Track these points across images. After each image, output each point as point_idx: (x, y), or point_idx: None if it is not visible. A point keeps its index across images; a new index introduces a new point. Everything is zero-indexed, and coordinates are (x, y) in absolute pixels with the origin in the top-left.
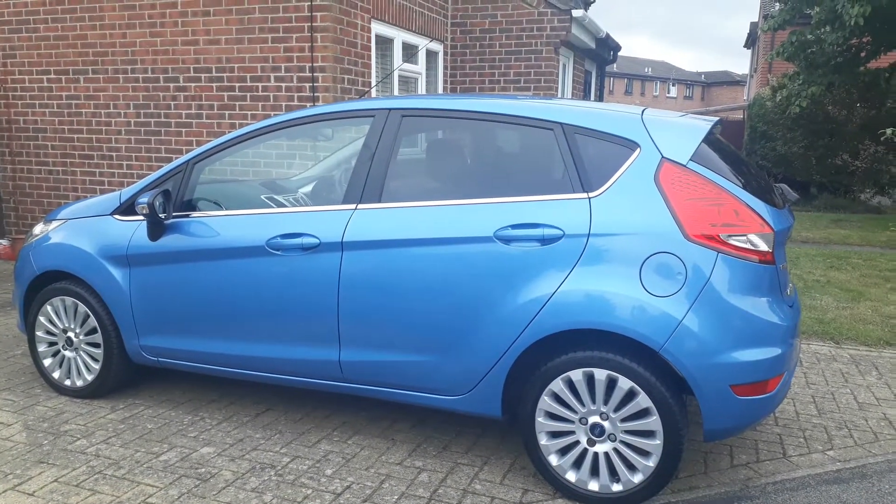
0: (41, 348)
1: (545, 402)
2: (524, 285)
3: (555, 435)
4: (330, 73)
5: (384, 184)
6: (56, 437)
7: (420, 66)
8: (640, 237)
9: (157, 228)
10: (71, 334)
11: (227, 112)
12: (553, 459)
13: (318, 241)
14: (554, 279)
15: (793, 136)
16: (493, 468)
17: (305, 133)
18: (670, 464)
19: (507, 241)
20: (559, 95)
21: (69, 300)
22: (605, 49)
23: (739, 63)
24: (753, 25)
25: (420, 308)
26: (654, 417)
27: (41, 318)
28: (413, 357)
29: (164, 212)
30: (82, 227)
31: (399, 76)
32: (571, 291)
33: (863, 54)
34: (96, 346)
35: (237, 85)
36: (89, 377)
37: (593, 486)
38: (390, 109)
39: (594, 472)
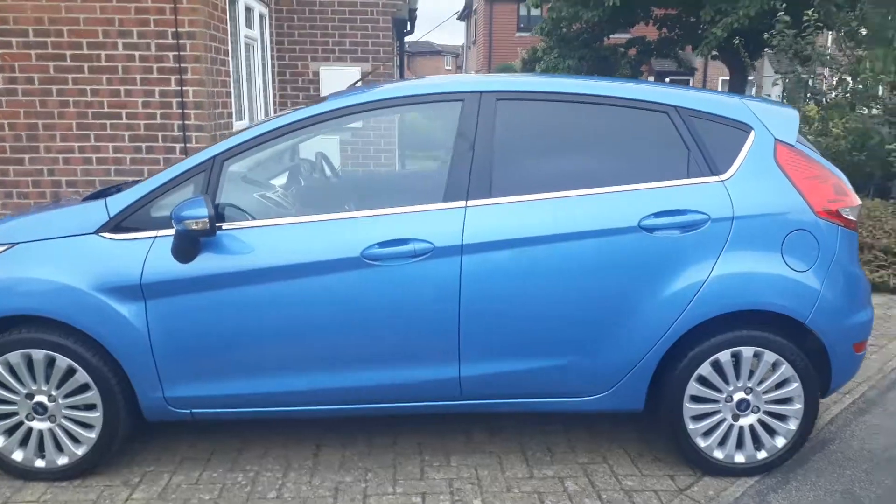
0: None
1: (693, 386)
2: (674, 274)
3: (700, 418)
4: (200, 41)
5: (491, 176)
6: None
7: (255, 31)
8: (777, 217)
9: (192, 246)
10: (42, 398)
11: (54, 87)
12: (700, 442)
13: (431, 246)
14: (705, 265)
15: None
16: (617, 462)
17: (374, 119)
18: (810, 424)
19: (651, 230)
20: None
21: (39, 353)
22: (410, 19)
23: (440, 35)
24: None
25: (557, 310)
26: (796, 384)
27: None
28: (547, 362)
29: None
30: (52, 253)
31: (243, 41)
32: (724, 276)
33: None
34: (87, 408)
35: (68, 53)
36: (79, 451)
37: (739, 458)
38: (482, 92)
39: (739, 445)
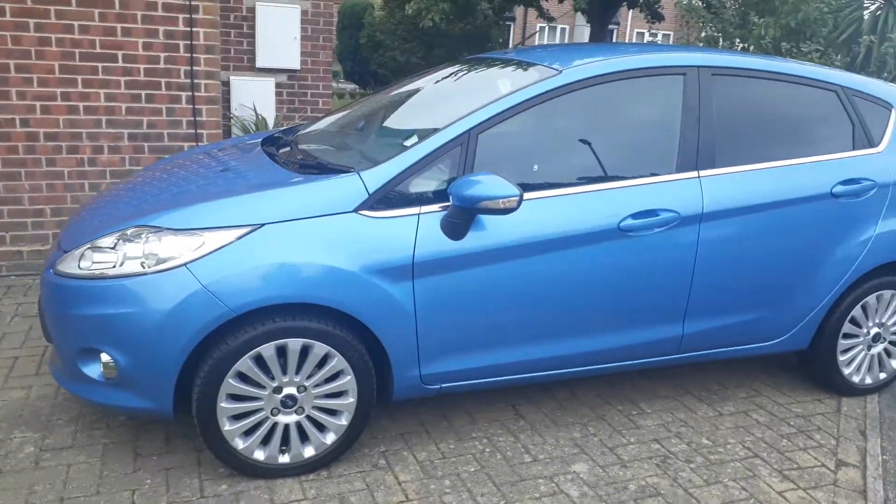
0: (227, 427)
1: (847, 326)
2: (851, 233)
3: (846, 351)
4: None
5: (714, 147)
6: None
7: None
8: None
9: (467, 223)
10: (291, 390)
11: (31, 21)
12: (845, 370)
13: (677, 215)
14: (871, 224)
15: (410, 47)
16: (769, 394)
17: (611, 93)
18: None
19: (837, 196)
20: None
21: (296, 343)
22: None
23: None
24: None
25: (768, 269)
26: None
27: (231, 381)
28: (752, 315)
29: None
30: (309, 233)
31: None
32: (886, 233)
33: None
34: (335, 396)
35: None
36: (327, 440)
37: (868, 380)
38: (699, 67)
39: (864, 368)
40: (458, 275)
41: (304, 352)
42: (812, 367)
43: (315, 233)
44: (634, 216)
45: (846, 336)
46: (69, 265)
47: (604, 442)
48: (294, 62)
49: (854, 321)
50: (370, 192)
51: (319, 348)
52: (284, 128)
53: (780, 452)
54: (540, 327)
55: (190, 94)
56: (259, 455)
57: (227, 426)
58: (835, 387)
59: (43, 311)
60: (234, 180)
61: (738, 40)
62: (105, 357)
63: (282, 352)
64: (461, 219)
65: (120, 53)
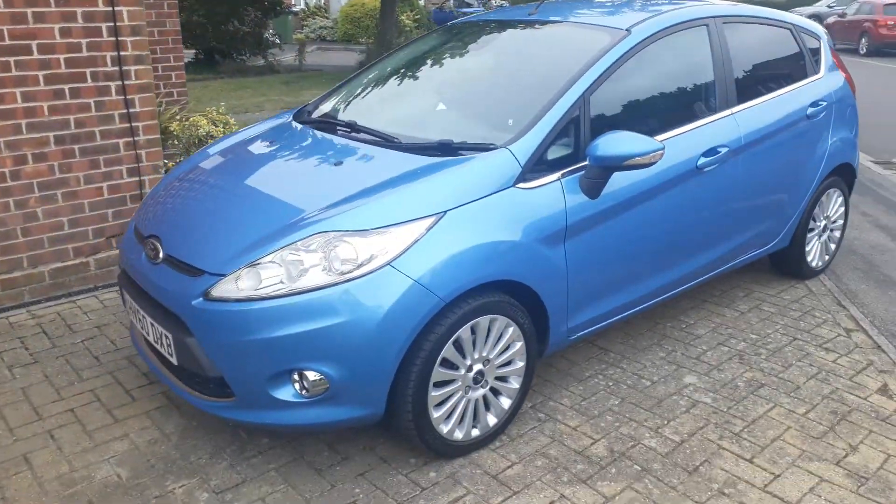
0: (435, 414)
1: (810, 223)
2: (816, 146)
3: (809, 242)
4: None
5: (735, 87)
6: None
7: None
8: (842, 98)
9: (605, 181)
10: (479, 366)
11: None
12: (808, 258)
13: (728, 149)
14: (826, 137)
15: (190, 4)
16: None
17: (664, 47)
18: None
19: (810, 116)
20: None
21: (484, 320)
22: None
23: None
24: None
25: (773, 185)
26: (841, 209)
27: (439, 370)
28: (762, 226)
29: None
30: (482, 215)
31: None
32: (834, 142)
33: None
34: (507, 364)
35: None
36: (505, 405)
37: (818, 263)
38: (714, 17)
39: (819, 254)
40: (596, 229)
41: (488, 327)
42: (787, 261)
43: (489, 212)
44: (705, 154)
45: (809, 230)
46: (229, 289)
47: (686, 355)
48: None
49: (814, 218)
50: (522, 164)
51: (501, 321)
52: (300, 107)
53: (807, 332)
54: (653, 262)
55: (119, 83)
56: (458, 434)
57: (434, 414)
58: (801, 273)
59: (189, 345)
60: (366, 172)
61: None
62: (312, 375)
63: (472, 331)
64: (601, 178)
65: (34, 43)
